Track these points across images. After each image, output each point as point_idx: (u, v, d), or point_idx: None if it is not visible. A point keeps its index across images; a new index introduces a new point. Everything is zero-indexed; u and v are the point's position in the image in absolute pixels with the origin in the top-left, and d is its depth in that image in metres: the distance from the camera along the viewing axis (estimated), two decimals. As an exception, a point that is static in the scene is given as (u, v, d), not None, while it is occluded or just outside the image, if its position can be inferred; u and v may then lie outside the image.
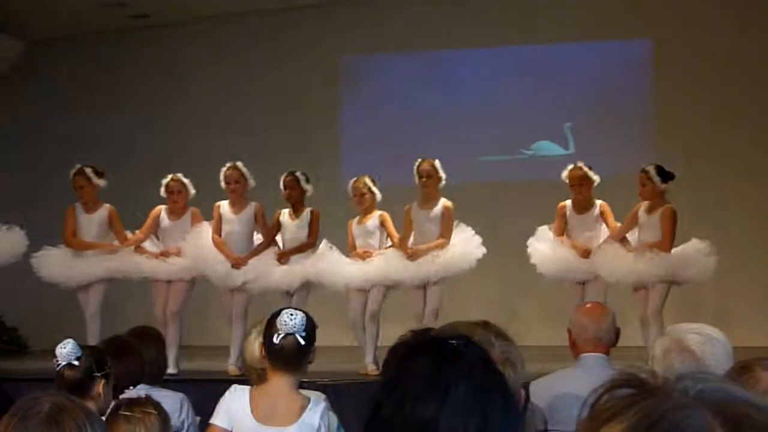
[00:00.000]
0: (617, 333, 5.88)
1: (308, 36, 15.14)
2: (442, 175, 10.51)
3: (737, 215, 13.16)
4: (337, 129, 15.15)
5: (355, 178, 10.66)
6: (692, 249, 10.28)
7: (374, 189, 10.55)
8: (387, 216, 10.60)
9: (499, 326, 3.26)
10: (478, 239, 10.55)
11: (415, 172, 10.55)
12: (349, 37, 15.10)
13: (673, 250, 10.19)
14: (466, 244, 10.52)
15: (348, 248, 10.64)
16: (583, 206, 10.56)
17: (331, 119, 15.16)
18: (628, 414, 1.05)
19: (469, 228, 10.61)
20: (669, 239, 10.17)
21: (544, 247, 10.62)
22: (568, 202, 10.60)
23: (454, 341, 2.14)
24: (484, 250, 10.50)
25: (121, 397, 4.80)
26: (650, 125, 14.09)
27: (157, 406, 4.02)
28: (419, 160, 10.61)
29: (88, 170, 10.93)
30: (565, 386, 5.62)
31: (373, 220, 10.59)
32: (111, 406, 4.35)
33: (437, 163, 10.53)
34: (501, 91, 14.67)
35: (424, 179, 10.49)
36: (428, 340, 2.19)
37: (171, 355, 10.24)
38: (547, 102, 14.36)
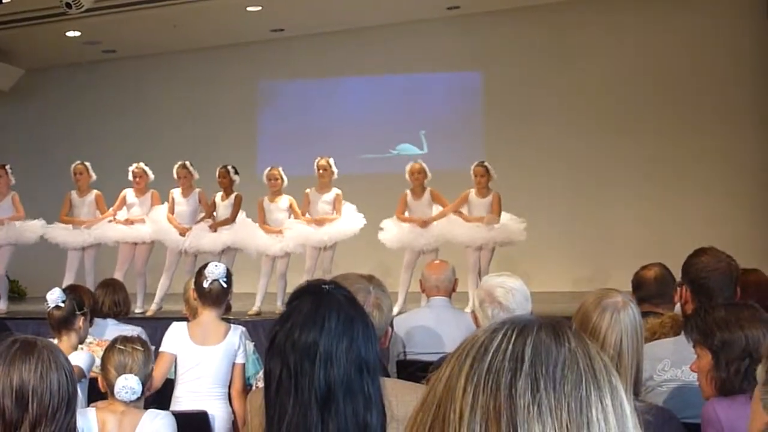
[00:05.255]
0: (455, 283, 5.97)
1: (233, 65, 15.03)
2: (335, 170, 10.37)
3: (540, 197, 13.27)
4: (255, 136, 14.99)
5: (270, 167, 10.47)
6: (509, 219, 10.28)
7: (284, 176, 10.40)
8: (293, 200, 10.45)
9: (380, 280, 3.27)
10: (360, 215, 10.41)
11: (315, 166, 10.40)
12: (264, 68, 15.01)
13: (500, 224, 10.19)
14: (352, 219, 10.41)
15: (258, 221, 10.43)
16: (418, 193, 10.42)
17: (251, 129, 15.02)
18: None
19: (353, 205, 10.45)
20: (499, 215, 10.16)
21: (390, 232, 10.49)
22: (408, 191, 10.45)
23: (326, 286, 2.14)
24: (364, 221, 10.37)
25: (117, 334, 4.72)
26: (479, 132, 14.19)
27: (144, 343, 4.00)
28: (318, 157, 10.44)
29: (87, 164, 10.82)
30: (418, 320, 5.71)
31: (283, 201, 10.41)
32: (110, 341, 4.29)
33: (332, 160, 10.39)
34: (375, 107, 14.61)
35: (321, 171, 10.35)
36: (309, 286, 2.15)
37: (139, 299, 10.27)
38: (408, 115, 14.39)
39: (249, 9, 13.08)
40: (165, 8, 12.68)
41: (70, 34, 13.81)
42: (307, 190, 10.47)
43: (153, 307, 10.32)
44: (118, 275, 9.74)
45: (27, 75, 15.31)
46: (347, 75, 14.79)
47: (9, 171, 10.93)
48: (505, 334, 1.08)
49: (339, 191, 10.41)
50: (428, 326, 5.56)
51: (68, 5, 10.51)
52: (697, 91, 13.41)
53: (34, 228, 10.89)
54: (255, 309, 10.09)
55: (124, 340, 3.99)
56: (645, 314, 4.83)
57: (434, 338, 5.47)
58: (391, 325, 3.52)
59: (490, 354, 1.07)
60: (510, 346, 1.07)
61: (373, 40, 14.32)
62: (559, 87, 13.88)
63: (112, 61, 15.43)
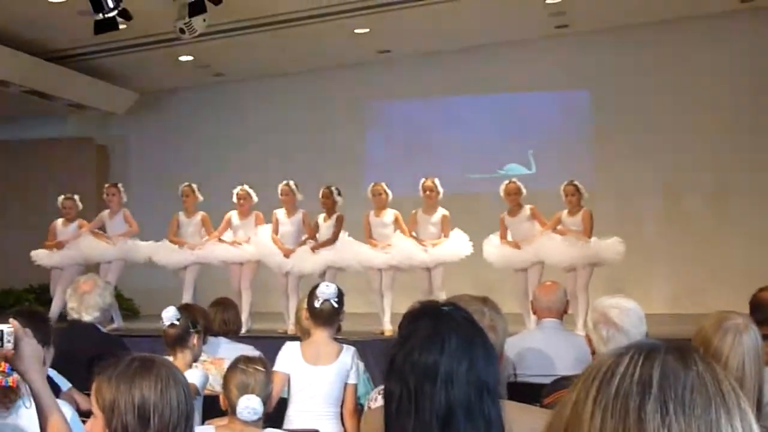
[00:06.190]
0: (566, 304, 5.91)
1: (340, 87, 15.17)
2: (441, 190, 10.44)
3: (647, 216, 13.24)
4: (362, 156, 15.09)
5: (374, 183, 10.62)
6: (606, 240, 10.21)
7: (388, 191, 10.50)
8: (399, 214, 10.54)
9: (494, 302, 3.26)
10: (468, 242, 10.45)
11: (420, 186, 10.50)
12: (369, 89, 15.10)
13: (593, 240, 10.17)
14: (459, 243, 10.45)
15: (365, 235, 10.53)
16: (515, 211, 10.50)
17: (358, 150, 15.14)
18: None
19: (462, 232, 10.48)
20: (590, 232, 10.16)
21: (493, 250, 10.58)
22: (505, 212, 10.55)
23: (445, 307, 2.15)
24: (471, 249, 10.41)
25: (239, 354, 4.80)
26: (588, 152, 14.07)
27: (265, 364, 4.08)
28: (424, 178, 10.55)
29: (194, 185, 11.13)
30: (529, 342, 5.67)
31: (388, 215, 10.52)
32: (234, 359, 4.39)
33: (437, 180, 10.47)
34: (482, 127, 14.56)
35: (427, 192, 10.45)
36: (427, 307, 2.16)
37: (244, 317, 10.39)
38: (516, 135, 14.34)
39: (357, 31, 13.18)
40: (273, 31, 12.86)
41: (182, 58, 14.10)
42: (414, 211, 10.55)
43: (291, 327, 10.14)
44: (243, 295, 10.32)
45: (139, 98, 15.68)
46: (454, 95, 14.78)
47: (121, 189, 11.32)
48: (631, 358, 1.09)
49: (446, 212, 10.46)
50: (539, 348, 5.51)
51: (182, 30, 10.76)
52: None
53: (144, 249, 11.26)
54: (387, 328, 10.19)
55: (246, 360, 4.06)
56: (764, 337, 4.74)
57: (545, 361, 5.42)
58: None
59: (618, 378, 1.08)
60: (637, 370, 1.08)
61: (480, 59, 14.29)
62: (669, 106, 13.70)
63: (221, 84, 15.69)
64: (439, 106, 14.93)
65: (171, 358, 4.92)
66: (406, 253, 10.34)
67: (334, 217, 10.61)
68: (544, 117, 14.35)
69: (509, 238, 10.51)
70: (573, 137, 14.20)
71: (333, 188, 10.64)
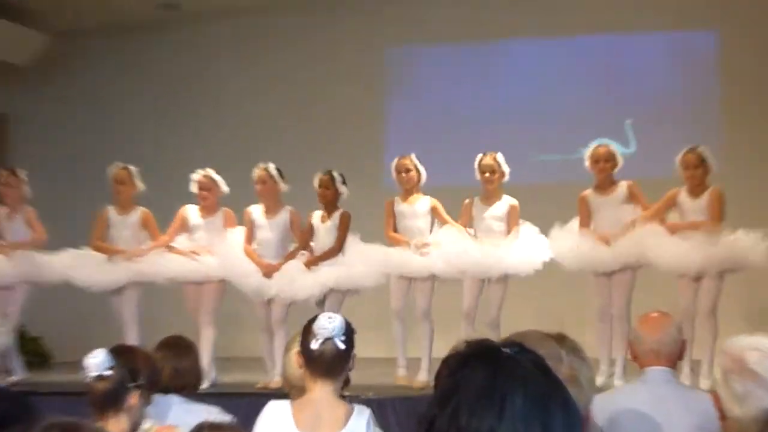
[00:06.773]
0: (681, 345, 5.87)
1: (348, 28, 15.20)
2: (506, 169, 10.39)
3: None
4: (381, 128, 15.17)
5: (399, 156, 10.59)
6: (744, 234, 9.91)
7: (420, 168, 10.49)
8: (438, 204, 10.49)
9: (574, 341, 3.25)
10: (545, 241, 10.35)
11: (476, 166, 10.41)
12: (390, 29, 15.14)
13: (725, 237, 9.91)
14: (534, 245, 10.34)
15: (385, 228, 10.52)
16: (605, 186, 10.36)
17: (373, 118, 15.20)
18: None
19: (534, 227, 10.42)
20: (720, 220, 9.94)
21: (563, 245, 10.41)
22: (589, 190, 10.43)
23: (507, 349, 2.15)
24: (550, 254, 10.30)
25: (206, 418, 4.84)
26: (713, 119, 14.04)
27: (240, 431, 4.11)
28: (481, 154, 10.45)
29: (132, 168, 11.06)
30: (627, 400, 5.64)
31: (421, 202, 10.51)
32: (194, 427, 4.41)
33: (500, 157, 10.40)
34: (556, 85, 14.61)
35: (487, 174, 10.35)
36: (480, 349, 2.15)
37: (205, 364, 10.37)
38: (606, 97, 14.37)
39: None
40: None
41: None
42: (467, 200, 10.52)
43: (276, 378, 9.96)
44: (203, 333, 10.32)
45: (52, 43, 15.74)
46: (516, 36, 14.86)
47: (24, 179, 11.23)
48: None
49: (514, 201, 10.44)
50: (642, 411, 5.49)
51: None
52: None
53: (58, 264, 11.10)
54: (421, 379, 10.13)
55: (213, 428, 4.07)
56: None
57: (652, 428, 5.41)
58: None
59: None
60: None
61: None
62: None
63: (175, 23, 15.80)
64: (493, 55, 15.04)
65: (100, 425, 4.93)
66: (459, 257, 10.23)
67: (337, 215, 10.59)
68: (648, 71, 14.40)
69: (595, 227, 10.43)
70: (691, 100, 14.21)
71: (335, 174, 10.62)
